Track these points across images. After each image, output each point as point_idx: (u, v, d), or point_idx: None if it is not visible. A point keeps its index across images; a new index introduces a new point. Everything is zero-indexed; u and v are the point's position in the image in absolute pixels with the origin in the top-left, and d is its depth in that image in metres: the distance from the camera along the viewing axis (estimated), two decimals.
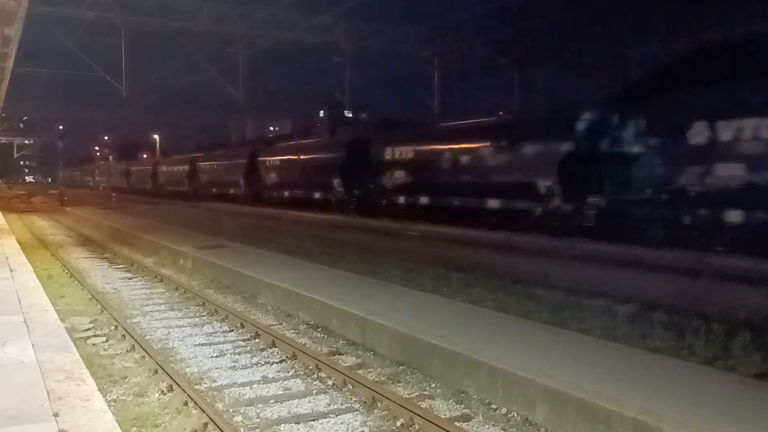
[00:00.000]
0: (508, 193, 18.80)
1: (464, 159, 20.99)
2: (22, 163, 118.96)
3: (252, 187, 36.94)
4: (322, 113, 61.89)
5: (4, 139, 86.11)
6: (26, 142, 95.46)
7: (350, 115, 50.86)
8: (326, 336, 8.11)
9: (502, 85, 43.89)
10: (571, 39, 36.42)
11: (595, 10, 32.07)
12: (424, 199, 22.89)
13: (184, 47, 41.32)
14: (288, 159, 34.25)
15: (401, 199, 24.05)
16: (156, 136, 64.70)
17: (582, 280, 10.08)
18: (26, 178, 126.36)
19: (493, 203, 19.45)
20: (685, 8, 28.57)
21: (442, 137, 22.96)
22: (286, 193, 33.34)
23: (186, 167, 48.11)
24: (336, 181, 28.51)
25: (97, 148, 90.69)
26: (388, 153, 25.01)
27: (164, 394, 5.95)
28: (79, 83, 51.61)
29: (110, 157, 75.48)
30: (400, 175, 24.36)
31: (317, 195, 30.18)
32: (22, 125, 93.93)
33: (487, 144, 20.21)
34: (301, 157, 32.62)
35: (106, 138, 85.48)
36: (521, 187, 18.18)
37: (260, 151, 37.69)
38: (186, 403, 5.64)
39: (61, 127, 70.00)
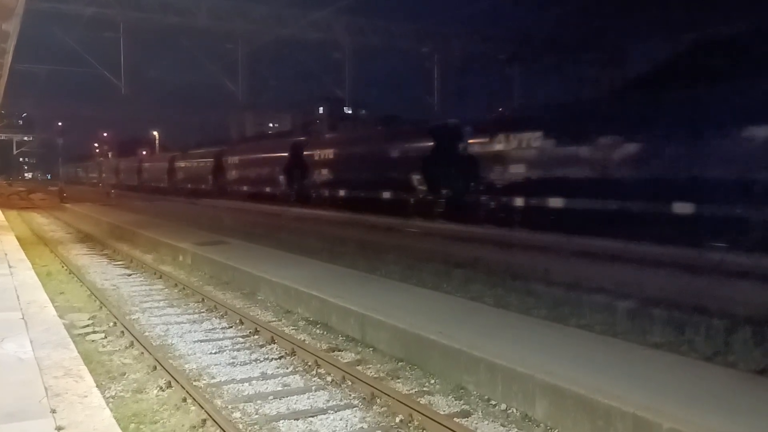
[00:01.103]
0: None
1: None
2: (21, 159, 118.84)
3: (299, 184, 31.92)
4: (321, 110, 61.82)
5: (3, 136, 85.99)
6: (25, 138, 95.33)
7: (350, 112, 50.79)
8: (325, 332, 8.09)
9: (502, 81, 43.84)
10: (569, 34, 36.36)
11: (595, 5, 32.02)
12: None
13: (184, 44, 41.33)
14: (352, 151, 28.32)
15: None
16: (155, 133, 64.66)
17: (582, 276, 10.06)
18: (25, 174, 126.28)
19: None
20: (686, 3, 28.51)
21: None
22: (343, 192, 27.98)
23: (209, 162, 43.36)
24: (416, 178, 23.23)
25: (96, 144, 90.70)
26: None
27: (163, 391, 5.93)
28: (79, 80, 51.59)
29: (109, 154, 75.43)
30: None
31: (392, 194, 24.73)
32: (21, 122, 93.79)
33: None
34: (374, 149, 26.62)
35: (105, 135, 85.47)
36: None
37: (307, 143, 32.53)
38: (185, 400, 5.63)
39: (60, 124, 69.97)
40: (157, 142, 66.15)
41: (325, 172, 30.02)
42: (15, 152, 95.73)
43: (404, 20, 41.34)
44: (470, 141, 21.09)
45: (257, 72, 48.24)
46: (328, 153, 29.78)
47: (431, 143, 22.78)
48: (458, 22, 41.28)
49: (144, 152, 68.39)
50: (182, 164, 49.52)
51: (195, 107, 59.02)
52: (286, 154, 33.03)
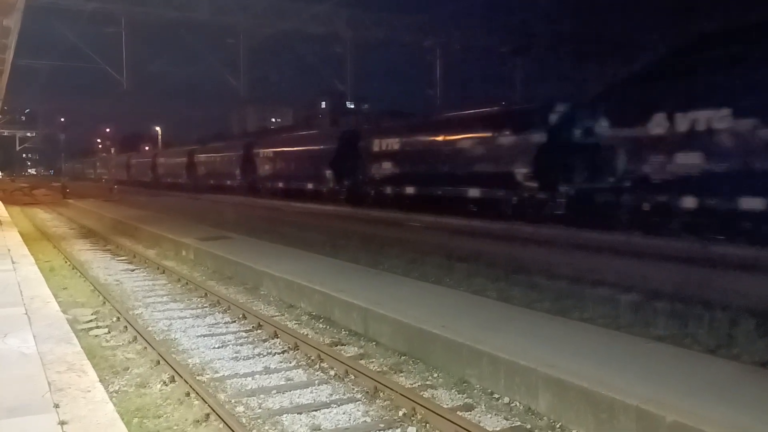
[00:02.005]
0: None
1: None
2: (24, 155, 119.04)
3: (351, 180, 27.87)
4: (323, 104, 61.75)
5: (6, 132, 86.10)
6: (28, 134, 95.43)
7: (352, 106, 50.72)
8: (328, 327, 8.09)
9: (505, 74, 43.70)
10: (573, 26, 36.20)
11: None
12: None
13: (185, 38, 41.21)
14: (430, 141, 22.93)
15: None
16: (158, 128, 64.62)
17: (584, 269, 10.05)
18: (28, 170, 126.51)
19: None
20: None
21: None
22: (415, 189, 23.47)
23: (237, 155, 39.44)
24: (522, 173, 18.69)
25: (98, 140, 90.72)
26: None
27: (166, 385, 5.94)
28: (80, 75, 51.73)
29: (111, 150, 75.32)
30: None
31: (486, 192, 20.25)
32: (23, 118, 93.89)
33: None
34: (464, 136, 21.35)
35: (108, 130, 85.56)
36: None
37: (371, 131, 27.44)
38: (188, 394, 5.63)
39: (62, 120, 70.00)
40: (159, 137, 66.09)
41: (388, 165, 25.09)
42: (18, 148, 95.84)
43: (406, 13, 41.20)
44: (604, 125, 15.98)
45: (259, 66, 48.29)
46: (394, 143, 24.36)
47: (542, 131, 18.03)
48: (460, 14, 41.08)
49: (146, 147, 68.20)
50: (204, 158, 45.58)
51: (197, 102, 59.04)
52: (332, 146, 28.74)
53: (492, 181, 19.64)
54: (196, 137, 57.69)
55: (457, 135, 21.59)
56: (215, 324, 8.39)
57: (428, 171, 22.63)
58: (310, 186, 30.96)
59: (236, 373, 6.35)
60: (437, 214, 19.47)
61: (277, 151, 35.20)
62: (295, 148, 33.50)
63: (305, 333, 7.75)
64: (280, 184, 33.71)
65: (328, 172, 29.47)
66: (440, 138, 22.49)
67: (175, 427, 5.03)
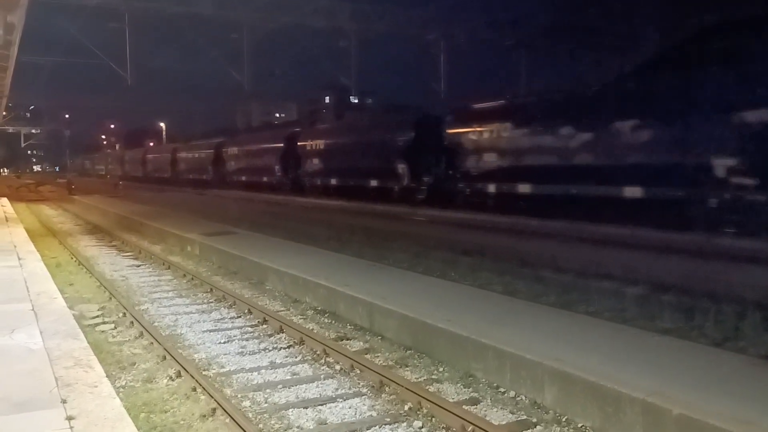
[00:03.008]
0: None
1: None
2: (29, 152, 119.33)
3: (439, 176, 22.69)
4: (327, 98, 61.68)
5: (11, 129, 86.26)
6: (33, 131, 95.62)
7: (356, 101, 50.63)
8: (333, 321, 8.10)
9: (509, 67, 43.52)
10: (578, 20, 36.01)
11: None
12: None
13: (189, 33, 41.17)
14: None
15: None
16: (162, 124, 64.65)
17: (590, 263, 10.02)
18: (34, 167, 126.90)
19: None
20: None
21: None
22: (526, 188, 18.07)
23: (280, 147, 34.45)
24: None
25: (103, 136, 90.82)
26: None
27: (172, 380, 5.96)
28: (84, 71, 51.62)
29: (116, 146, 75.29)
30: None
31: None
32: (28, 114, 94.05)
33: None
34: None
35: (112, 126, 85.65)
36: None
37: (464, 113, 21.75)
38: (194, 389, 5.65)
39: (67, 116, 70.03)
40: (163, 132, 66.16)
41: (491, 158, 19.60)
42: (23, 145, 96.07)
43: (410, 6, 41.07)
44: None
45: (262, 61, 48.10)
46: (501, 129, 19.39)
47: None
48: (465, 7, 40.91)
49: (151, 141, 68.02)
50: (235, 152, 40.78)
51: (201, 97, 58.99)
52: (406, 135, 23.86)
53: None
54: (237, 130, 54.75)
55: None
56: (221, 319, 8.41)
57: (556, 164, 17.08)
58: (373, 183, 25.85)
59: (242, 368, 6.36)
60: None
61: (333, 143, 28.84)
62: (354, 139, 27.27)
63: (311, 328, 7.76)
64: (333, 181, 28.19)
65: (402, 167, 24.15)
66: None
67: (182, 422, 5.05)
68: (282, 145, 34.24)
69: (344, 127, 30.31)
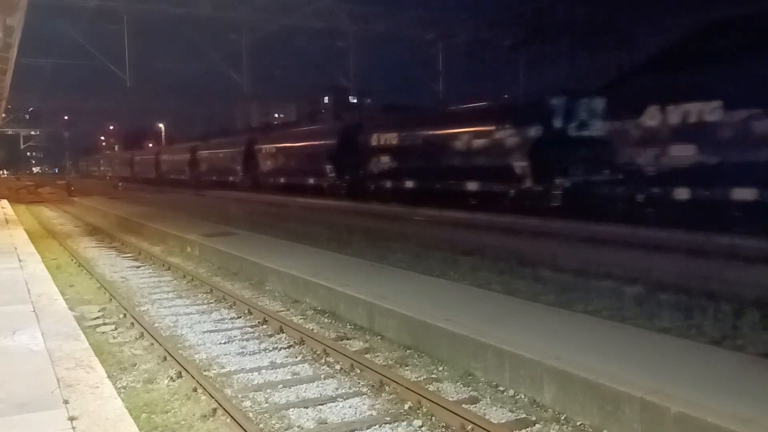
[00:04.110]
0: None
1: None
2: (28, 154, 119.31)
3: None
4: (326, 99, 61.67)
5: (10, 131, 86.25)
6: (32, 133, 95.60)
7: (355, 101, 50.68)
8: (333, 321, 8.13)
9: (507, 68, 43.57)
10: (576, 19, 36.05)
11: None
12: None
13: (188, 34, 41.28)
14: None
15: None
16: (161, 125, 64.56)
17: (589, 262, 10.05)
18: (33, 169, 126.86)
19: None
20: None
21: None
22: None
23: (333, 143, 29.43)
24: None
25: (102, 137, 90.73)
26: None
27: (173, 381, 5.98)
28: (84, 73, 51.52)
29: (116, 147, 75.03)
30: None
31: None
32: (27, 116, 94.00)
33: None
34: None
35: (111, 127, 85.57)
36: None
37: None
38: (195, 389, 5.68)
39: (66, 118, 69.88)
40: (163, 133, 66.15)
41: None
42: (22, 147, 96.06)
43: (408, 7, 41.14)
44: None
45: (261, 62, 48.20)
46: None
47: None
48: (463, 8, 41.03)
49: (149, 144, 67.87)
50: (272, 150, 35.49)
51: (200, 98, 58.89)
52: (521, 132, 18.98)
53: None
54: (269, 127, 53.04)
55: None
56: (221, 320, 8.44)
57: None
58: (472, 187, 20.83)
59: (243, 368, 6.39)
60: None
61: (413, 136, 23.87)
62: (455, 130, 21.88)
63: (311, 328, 7.79)
64: (410, 184, 23.87)
65: (522, 165, 18.91)
66: None
67: (183, 422, 5.07)
68: (336, 141, 28.91)
69: (423, 119, 24.53)
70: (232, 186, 39.25)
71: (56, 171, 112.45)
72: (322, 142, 30.73)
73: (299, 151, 32.95)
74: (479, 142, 20.75)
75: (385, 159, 25.73)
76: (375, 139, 26.44)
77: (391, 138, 25.40)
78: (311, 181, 31.64)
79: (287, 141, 35.00)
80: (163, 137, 65.80)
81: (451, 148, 21.89)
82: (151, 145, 67.42)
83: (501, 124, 19.87)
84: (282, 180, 34.57)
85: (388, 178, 25.61)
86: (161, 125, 66.10)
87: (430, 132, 23.38)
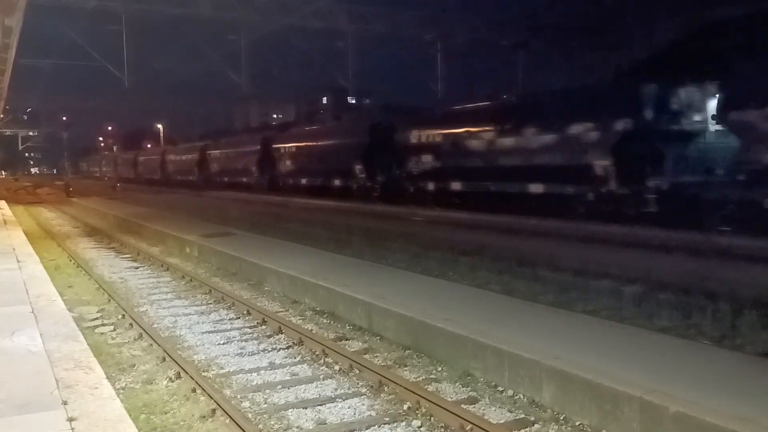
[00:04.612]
0: None
1: None
2: (27, 155, 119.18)
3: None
4: (325, 99, 61.62)
5: (8, 131, 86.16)
6: (30, 133, 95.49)
7: (354, 101, 50.65)
8: (332, 321, 8.13)
9: (506, 67, 43.57)
10: (576, 19, 36.08)
11: None
12: None
13: (186, 35, 41.28)
14: None
15: None
16: (160, 126, 64.39)
17: (587, 262, 10.05)
18: (31, 169, 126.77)
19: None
20: None
21: None
22: None
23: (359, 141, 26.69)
24: None
25: (101, 138, 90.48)
26: None
27: (172, 382, 5.98)
28: (82, 74, 51.40)
29: (115, 148, 74.59)
30: None
31: None
32: (25, 117, 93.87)
33: None
34: None
35: (110, 128, 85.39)
36: None
37: None
38: (194, 390, 5.68)
39: (64, 118, 69.66)
40: (161, 134, 65.96)
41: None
42: (21, 147, 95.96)
43: (407, 7, 41.13)
44: None
45: (260, 62, 48.16)
46: None
47: None
48: (462, 8, 40.98)
49: (148, 145, 67.49)
50: (291, 149, 33.16)
51: (199, 99, 58.84)
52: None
53: None
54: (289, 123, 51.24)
55: None
56: (220, 320, 8.43)
57: None
58: (536, 189, 18.24)
59: (242, 369, 6.39)
60: None
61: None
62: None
63: (310, 328, 7.79)
64: (457, 186, 21.62)
65: (604, 164, 16.29)
66: None
67: (182, 423, 5.07)
68: (369, 139, 26.36)
69: (475, 113, 21.90)
70: (246, 188, 36.49)
71: (54, 172, 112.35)
72: (350, 140, 27.47)
73: (324, 150, 29.81)
74: (547, 138, 17.81)
75: (427, 158, 23.02)
76: (416, 136, 23.56)
77: (436, 135, 22.73)
78: (337, 182, 28.80)
79: (309, 139, 32.26)
80: (161, 138, 65.59)
81: (511, 145, 19.08)
82: (149, 146, 66.77)
83: (576, 116, 17.04)
84: (303, 181, 31.84)
85: (431, 180, 22.86)
86: (160, 126, 65.95)
87: (485, 127, 20.38)
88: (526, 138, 18.54)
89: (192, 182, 45.13)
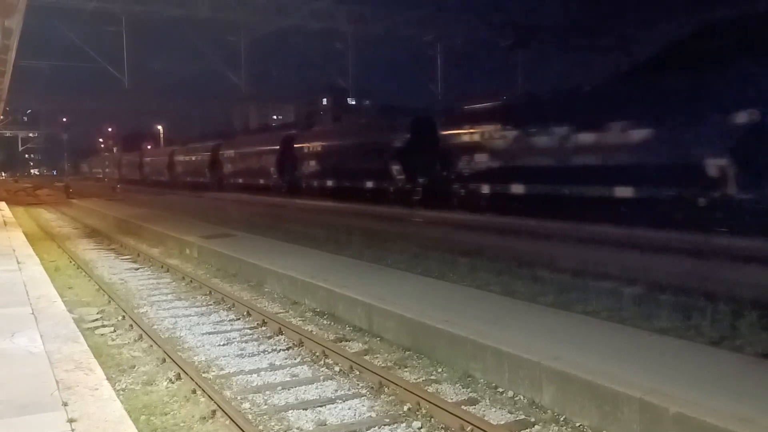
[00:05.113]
0: None
1: None
2: (27, 156, 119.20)
3: None
4: (325, 101, 61.65)
5: (8, 133, 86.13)
6: (30, 135, 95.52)
7: (353, 102, 50.70)
8: (332, 323, 8.13)
9: (505, 68, 43.62)
10: (573, 20, 36.11)
11: None
12: None
13: (186, 36, 41.31)
14: None
15: None
16: (160, 127, 64.37)
17: (587, 262, 10.06)
18: (31, 171, 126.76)
19: None
20: None
21: None
22: None
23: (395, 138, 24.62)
24: None
25: (101, 139, 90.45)
26: None
27: (172, 383, 5.98)
28: (82, 75, 51.38)
29: (114, 149, 74.40)
30: None
31: None
32: (25, 118, 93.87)
33: None
34: None
35: (110, 129, 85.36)
36: None
37: None
38: (194, 391, 5.68)
39: (64, 119, 69.58)
40: (161, 135, 65.92)
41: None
42: (21, 149, 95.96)
43: (406, 8, 41.17)
44: None
45: (260, 63, 48.20)
46: None
47: None
48: (461, 8, 41.01)
49: (148, 146, 67.17)
50: (315, 147, 30.74)
51: (198, 99, 58.82)
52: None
53: None
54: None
55: None
56: (220, 321, 8.44)
57: None
58: (623, 193, 15.72)
59: (242, 370, 6.39)
60: None
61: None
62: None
63: (310, 329, 7.79)
64: (519, 189, 19.02)
65: (720, 163, 13.73)
66: None
67: (182, 424, 5.08)
68: (408, 136, 24.19)
69: (538, 106, 20.01)
70: (263, 189, 34.47)
71: (54, 173, 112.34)
72: (384, 139, 25.13)
73: (355, 149, 27.09)
74: (641, 134, 15.12)
75: (480, 157, 20.21)
76: (466, 133, 20.80)
77: (492, 130, 19.97)
78: (370, 184, 26.09)
79: (338, 137, 29.72)
80: (161, 138, 65.53)
81: (592, 142, 16.34)
82: (152, 146, 66.29)
83: (681, 106, 14.32)
84: (329, 183, 29.18)
85: (486, 181, 20.06)
86: (160, 127, 65.92)
87: (557, 123, 17.45)
88: (615, 133, 15.78)
89: (203, 184, 42.91)
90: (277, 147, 33.83)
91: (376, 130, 27.05)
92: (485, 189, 20.12)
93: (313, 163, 30.82)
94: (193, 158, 46.92)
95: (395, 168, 24.33)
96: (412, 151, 23.73)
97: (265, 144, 36.13)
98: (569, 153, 16.97)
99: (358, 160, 26.72)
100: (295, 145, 32.41)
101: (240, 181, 38.30)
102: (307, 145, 31.56)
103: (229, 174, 40.20)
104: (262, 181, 35.43)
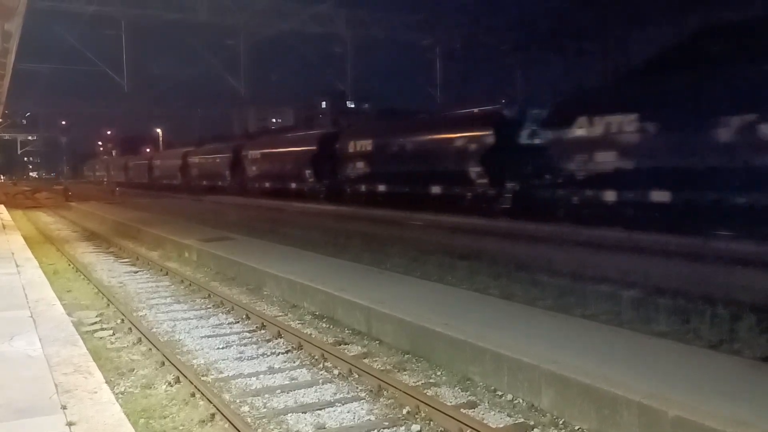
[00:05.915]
0: None
1: None
2: (25, 159, 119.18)
3: None
4: (324, 104, 61.75)
5: (7, 136, 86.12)
6: (29, 137, 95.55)
7: (352, 106, 50.77)
8: (331, 326, 8.13)
9: (504, 72, 43.68)
10: (572, 24, 36.19)
11: None
12: None
13: (185, 40, 41.37)
14: None
15: None
16: (159, 130, 64.37)
17: (586, 266, 10.06)
18: (30, 174, 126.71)
19: None
20: None
21: None
22: None
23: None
24: None
25: (100, 142, 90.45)
26: None
27: (171, 386, 5.98)
28: (81, 78, 51.49)
29: (114, 152, 74.40)
30: None
31: None
32: (24, 121, 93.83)
33: None
34: None
35: (109, 132, 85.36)
36: None
37: None
38: (193, 395, 5.67)
39: (63, 123, 69.59)
40: (161, 138, 65.98)
41: None
42: (19, 152, 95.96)
43: (405, 12, 41.25)
44: None
45: (259, 67, 48.30)
46: None
47: None
48: (460, 12, 41.12)
49: (147, 150, 67.10)
50: (366, 146, 26.63)
51: (198, 103, 58.95)
52: None
53: None
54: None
55: None
56: (219, 325, 8.43)
57: None
58: None
59: (241, 373, 6.39)
60: None
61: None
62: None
63: (309, 333, 7.79)
64: (612, 197, 15.87)
65: None
66: None
67: (181, 428, 5.07)
68: (488, 134, 20.39)
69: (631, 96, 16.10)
70: (297, 195, 30.52)
71: (53, 176, 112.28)
72: (457, 135, 21.63)
73: (419, 148, 23.58)
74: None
75: (605, 157, 15.86)
76: (578, 128, 16.45)
77: (623, 122, 15.30)
78: (437, 189, 22.50)
79: (395, 134, 25.45)
80: (161, 141, 65.55)
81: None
82: (147, 149, 66.23)
83: None
84: (382, 188, 25.52)
85: (612, 187, 15.79)
86: (159, 130, 65.95)
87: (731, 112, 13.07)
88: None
89: (222, 188, 39.28)
90: (313, 148, 30.10)
91: (440, 127, 23.42)
92: (610, 197, 15.85)
93: (360, 165, 26.89)
94: (210, 160, 42.92)
95: (474, 171, 20.68)
96: (495, 151, 19.85)
97: (298, 144, 32.14)
98: (750, 150, 12.79)
99: (422, 162, 23.01)
100: (336, 145, 28.42)
101: (267, 185, 34.53)
102: (352, 143, 27.42)
103: (253, 177, 36.24)
104: (294, 185, 31.75)
